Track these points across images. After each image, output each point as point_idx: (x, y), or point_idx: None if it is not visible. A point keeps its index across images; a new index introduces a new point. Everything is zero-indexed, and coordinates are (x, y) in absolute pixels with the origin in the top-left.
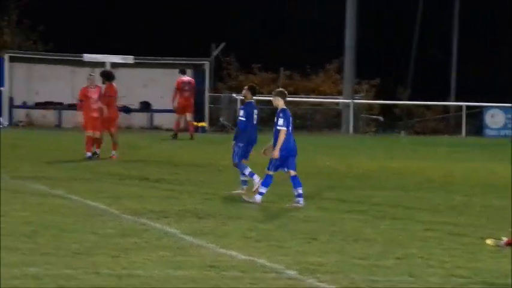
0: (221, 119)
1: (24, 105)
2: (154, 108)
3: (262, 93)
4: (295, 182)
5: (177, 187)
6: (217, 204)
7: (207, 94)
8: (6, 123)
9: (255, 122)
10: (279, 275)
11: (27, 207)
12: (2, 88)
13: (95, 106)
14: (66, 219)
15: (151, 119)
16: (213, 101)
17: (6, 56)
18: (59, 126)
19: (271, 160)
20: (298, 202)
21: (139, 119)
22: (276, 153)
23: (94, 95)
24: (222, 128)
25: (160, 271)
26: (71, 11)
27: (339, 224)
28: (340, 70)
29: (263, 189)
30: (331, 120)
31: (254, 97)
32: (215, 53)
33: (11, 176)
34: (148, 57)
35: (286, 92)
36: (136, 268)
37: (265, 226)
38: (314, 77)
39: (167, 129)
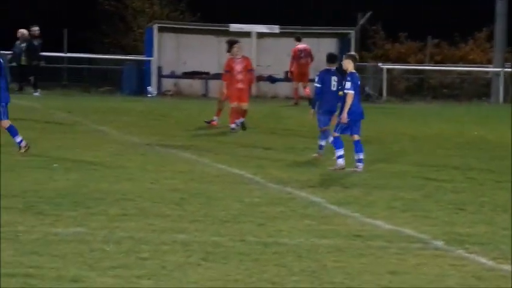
0: (366, 89)
1: (172, 75)
2: None
3: (409, 63)
4: (358, 147)
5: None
6: (362, 174)
7: None
8: (155, 92)
9: (333, 89)
10: (425, 245)
11: (176, 175)
12: (151, 58)
13: (239, 77)
14: (213, 187)
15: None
16: (359, 70)
17: (155, 27)
18: (205, 95)
19: (338, 122)
20: (357, 167)
21: (284, 88)
22: (344, 117)
23: (239, 65)
24: (368, 98)
25: (305, 239)
26: None
27: (488, 195)
28: (490, 38)
29: (339, 152)
30: (480, 90)
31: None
32: (361, 21)
33: (160, 145)
34: (294, 27)
35: (357, 56)
36: (282, 236)
37: (410, 196)
38: (463, 46)
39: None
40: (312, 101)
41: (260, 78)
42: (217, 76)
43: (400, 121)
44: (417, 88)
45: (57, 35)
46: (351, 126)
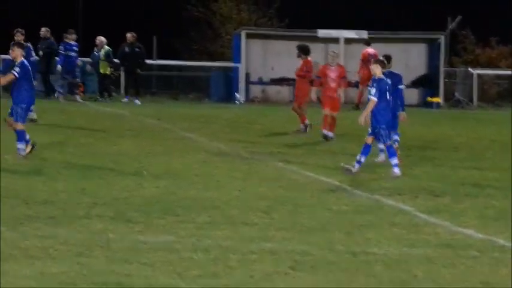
0: (456, 94)
1: (259, 82)
2: None
3: (499, 67)
4: (390, 152)
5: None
6: (453, 182)
7: (441, 69)
8: (242, 99)
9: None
10: None
11: (263, 183)
12: (238, 64)
13: (332, 85)
14: (300, 194)
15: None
16: (448, 75)
17: (243, 33)
18: (292, 102)
19: (383, 133)
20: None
21: None
22: (361, 120)
23: (333, 73)
24: (458, 104)
25: (395, 249)
26: None
27: None
28: None
29: (394, 160)
30: None
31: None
32: (451, 26)
33: (248, 152)
34: (382, 32)
35: (385, 61)
36: (370, 245)
37: (503, 204)
38: None
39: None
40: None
41: (348, 84)
42: None
43: (492, 127)
44: (509, 93)
45: (147, 42)
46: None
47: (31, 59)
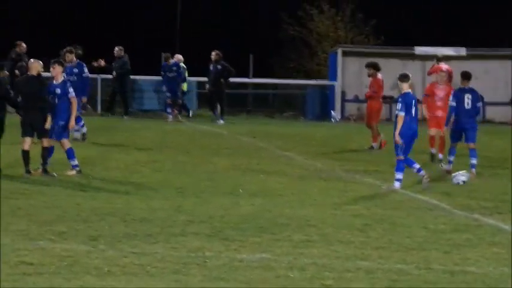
0: None
1: (355, 99)
2: (486, 101)
3: None
4: (408, 164)
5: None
6: None
7: None
8: (338, 117)
9: (467, 107)
10: None
11: (359, 201)
12: (334, 82)
13: (439, 104)
14: (397, 213)
15: (483, 112)
16: None
17: (339, 51)
18: (389, 119)
19: (396, 145)
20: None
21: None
22: (397, 138)
23: (441, 92)
24: None
25: (494, 268)
26: (401, 5)
27: None
28: None
29: (399, 175)
30: None
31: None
32: None
33: (343, 170)
34: (481, 49)
35: (409, 75)
36: (469, 265)
37: None
38: None
39: (500, 123)
40: (446, 119)
41: None
42: None
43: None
44: None
45: (243, 61)
46: (409, 147)
47: (83, 75)
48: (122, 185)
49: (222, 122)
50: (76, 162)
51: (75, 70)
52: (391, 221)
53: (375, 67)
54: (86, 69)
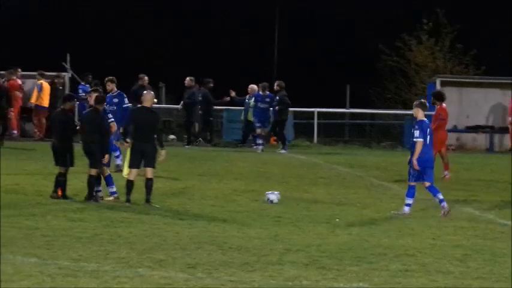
0: None
1: (455, 129)
2: None
3: None
4: (432, 191)
5: None
6: None
7: None
8: None
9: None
10: None
11: (458, 231)
12: (432, 112)
13: None
14: (498, 244)
15: None
16: None
17: (437, 81)
18: (490, 150)
19: (409, 171)
20: (443, 207)
21: None
22: (415, 164)
23: None
24: None
25: None
26: (502, 35)
27: None
28: None
29: (409, 200)
30: None
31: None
32: None
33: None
34: None
35: (426, 103)
36: None
37: None
38: None
39: None
40: None
41: None
42: (503, 130)
43: None
44: None
45: (339, 91)
46: (423, 174)
47: (123, 105)
48: (219, 213)
49: (284, 151)
50: (115, 189)
51: (115, 100)
52: (492, 252)
53: (437, 97)
54: (126, 100)
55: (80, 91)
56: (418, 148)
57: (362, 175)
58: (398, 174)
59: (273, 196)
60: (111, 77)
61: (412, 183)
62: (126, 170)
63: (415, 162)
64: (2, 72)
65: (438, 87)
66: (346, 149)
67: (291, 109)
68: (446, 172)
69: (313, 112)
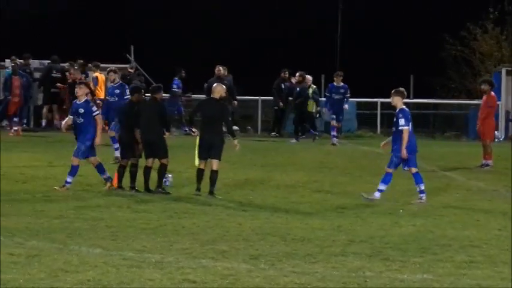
0: None
1: None
2: None
3: None
4: (417, 178)
5: None
6: None
7: None
8: (501, 137)
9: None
10: None
11: None
12: (498, 102)
13: None
14: None
15: None
16: None
17: (503, 70)
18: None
19: (391, 158)
20: (421, 198)
21: None
22: (404, 153)
23: None
24: None
25: None
26: None
27: None
28: None
29: (383, 187)
30: None
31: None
32: None
33: (508, 190)
34: None
35: (405, 91)
36: None
37: None
38: None
39: None
40: None
41: None
42: None
43: None
44: None
45: (404, 81)
46: (406, 160)
47: (125, 97)
48: (282, 204)
49: (294, 141)
50: (107, 174)
51: (117, 91)
52: None
53: (489, 83)
54: (127, 91)
55: (174, 86)
56: (406, 136)
57: (426, 166)
58: (462, 164)
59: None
60: (113, 68)
61: (390, 170)
62: (196, 160)
63: (404, 150)
64: (65, 64)
65: (504, 76)
66: None
67: (354, 99)
68: (488, 161)
69: (376, 102)
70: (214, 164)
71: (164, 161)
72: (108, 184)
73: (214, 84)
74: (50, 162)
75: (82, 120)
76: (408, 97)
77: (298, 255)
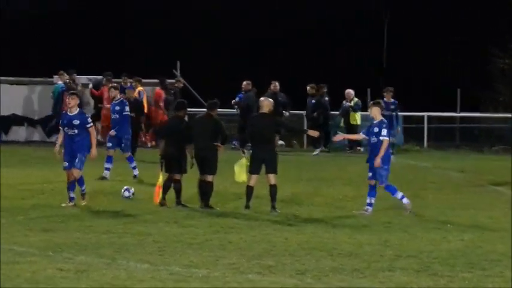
0: None
1: None
2: None
3: None
4: (372, 192)
5: None
6: None
7: None
8: None
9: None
10: None
11: None
12: None
13: None
14: None
15: None
16: None
17: None
18: None
19: (382, 172)
20: (366, 210)
21: None
22: (378, 162)
23: None
24: None
25: None
26: None
27: None
28: None
29: (398, 195)
30: None
31: None
32: None
33: None
34: None
35: (382, 102)
36: None
37: None
38: None
39: None
40: None
41: None
42: None
43: None
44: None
45: (451, 95)
46: (379, 173)
47: (123, 113)
48: (328, 219)
49: (316, 152)
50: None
51: (117, 108)
52: None
53: None
54: (127, 108)
55: (237, 99)
56: (385, 146)
57: (474, 180)
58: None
59: (127, 193)
60: (115, 84)
61: (387, 184)
62: (243, 176)
63: (378, 160)
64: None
65: None
66: (457, 153)
67: (401, 113)
68: None
69: (423, 116)
70: (272, 178)
71: (210, 178)
72: (84, 202)
73: (262, 99)
74: (94, 177)
75: (76, 131)
76: (455, 111)
77: (345, 270)
